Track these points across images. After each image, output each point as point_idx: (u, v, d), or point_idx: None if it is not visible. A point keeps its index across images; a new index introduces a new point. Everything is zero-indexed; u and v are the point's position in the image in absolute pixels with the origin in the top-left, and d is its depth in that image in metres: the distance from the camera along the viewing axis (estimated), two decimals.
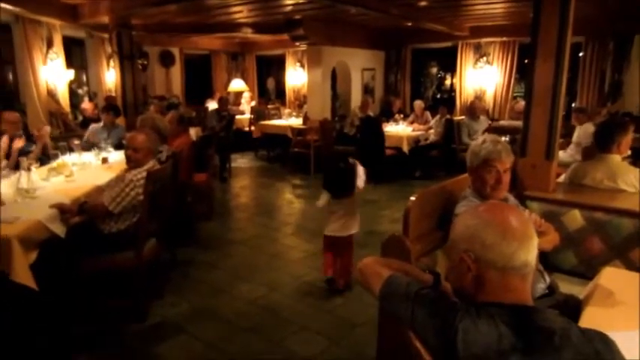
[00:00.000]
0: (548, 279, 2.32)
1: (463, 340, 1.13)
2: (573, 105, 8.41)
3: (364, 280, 1.56)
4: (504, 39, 9.06)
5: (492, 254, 1.18)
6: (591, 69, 8.14)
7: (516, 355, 1.09)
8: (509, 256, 1.17)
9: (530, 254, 1.20)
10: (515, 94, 9.38)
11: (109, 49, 8.39)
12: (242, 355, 3.00)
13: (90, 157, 5.01)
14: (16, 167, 4.00)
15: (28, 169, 3.69)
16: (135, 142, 3.48)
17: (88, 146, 5.45)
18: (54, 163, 4.41)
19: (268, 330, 3.32)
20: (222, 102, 9.19)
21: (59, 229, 3.12)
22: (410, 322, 1.30)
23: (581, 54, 8.26)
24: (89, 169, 4.63)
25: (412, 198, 2.26)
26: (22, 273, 2.73)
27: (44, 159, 4.69)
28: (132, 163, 3.48)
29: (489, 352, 1.10)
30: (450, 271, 1.31)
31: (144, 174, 3.30)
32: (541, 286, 2.26)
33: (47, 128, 5.05)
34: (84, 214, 3.34)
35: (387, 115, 9.44)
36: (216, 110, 9.06)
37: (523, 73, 8.77)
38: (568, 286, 2.49)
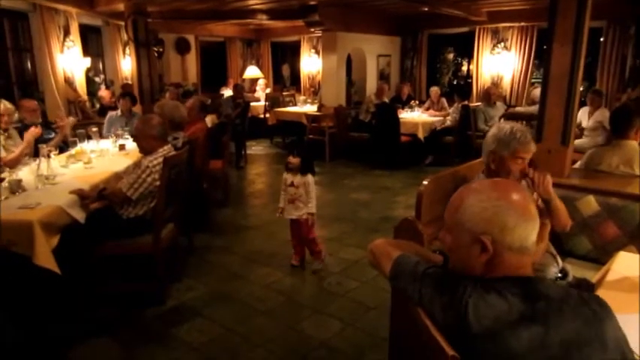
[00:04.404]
0: (561, 263, 2.32)
1: (474, 315, 1.16)
2: (590, 91, 8.27)
3: (374, 261, 1.58)
4: (523, 24, 8.90)
5: (511, 236, 1.20)
6: (612, 54, 7.97)
7: (525, 322, 1.13)
8: (525, 237, 1.21)
9: (536, 233, 1.24)
10: (533, 80, 9.25)
11: (125, 37, 8.44)
12: (257, 337, 3.05)
13: (107, 145, 5.09)
14: (36, 154, 4.07)
15: (48, 157, 3.76)
16: (134, 130, 3.56)
17: (108, 134, 5.55)
18: (72, 151, 4.49)
19: (283, 313, 3.37)
20: (238, 89, 9.20)
21: (79, 215, 3.19)
22: (418, 301, 1.32)
23: (602, 39, 8.09)
24: (107, 156, 4.70)
25: (425, 182, 2.27)
26: (45, 257, 2.79)
27: (63, 146, 4.77)
28: (140, 149, 3.57)
29: (501, 324, 1.14)
30: (455, 251, 1.31)
31: (160, 159, 3.35)
32: (554, 270, 2.27)
33: (71, 119, 5.11)
34: (103, 200, 3.41)
35: (397, 101, 9.31)
36: (231, 97, 9.09)
37: (542, 58, 8.62)
38: (581, 271, 2.48)
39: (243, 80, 12.20)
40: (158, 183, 3.31)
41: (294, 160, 3.89)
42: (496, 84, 9.30)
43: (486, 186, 1.31)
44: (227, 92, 10.43)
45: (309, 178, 3.93)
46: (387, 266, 1.48)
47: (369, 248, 1.62)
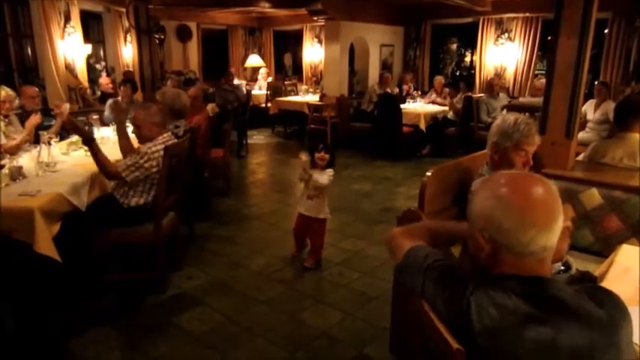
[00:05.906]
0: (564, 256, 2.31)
1: (477, 313, 1.13)
2: (596, 83, 8.22)
3: (391, 253, 1.54)
4: (527, 15, 8.82)
5: (508, 240, 1.13)
6: (616, 46, 7.89)
7: (531, 324, 1.08)
8: (525, 243, 1.11)
9: (550, 239, 1.13)
10: (536, 72, 9.19)
11: (126, 24, 8.37)
12: (258, 327, 3.05)
13: (108, 132, 5.07)
14: (36, 141, 4.06)
15: (48, 144, 3.74)
16: (134, 118, 3.54)
17: (109, 121, 5.52)
18: (73, 138, 4.46)
19: (284, 303, 3.37)
20: (227, 76, 8.78)
21: (80, 203, 3.18)
22: (420, 294, 1.30)
23: (606, 31, 8.02)
24: (108, 144, 4.67)
25: (428, 173, 2.26)
26: (45, 244, 2.79)
27: (64, 134, 4.75)
28: (139, 139, 3.54)
29: (504, 324, 1.10)
30: (469, 240, 1.26)
31: (159, 147, 3.33)
32: (557, 264, 2.25)
33: (67, 105, 5.09)
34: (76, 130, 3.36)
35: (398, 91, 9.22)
36: (222, 87, 8.74)
37: (545, 50, 8.56)
38: (584, 264, 2.47)
39: (245, 69, 12.13)
40: (155, 170, 3.29)
41: (326, 156, 3.85)
42: (499, 75, 9.24)
43: (499, 179, 1.21)
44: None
45: (330, 171, 3.91)
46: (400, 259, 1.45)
47: (386, 240, 1.60)
